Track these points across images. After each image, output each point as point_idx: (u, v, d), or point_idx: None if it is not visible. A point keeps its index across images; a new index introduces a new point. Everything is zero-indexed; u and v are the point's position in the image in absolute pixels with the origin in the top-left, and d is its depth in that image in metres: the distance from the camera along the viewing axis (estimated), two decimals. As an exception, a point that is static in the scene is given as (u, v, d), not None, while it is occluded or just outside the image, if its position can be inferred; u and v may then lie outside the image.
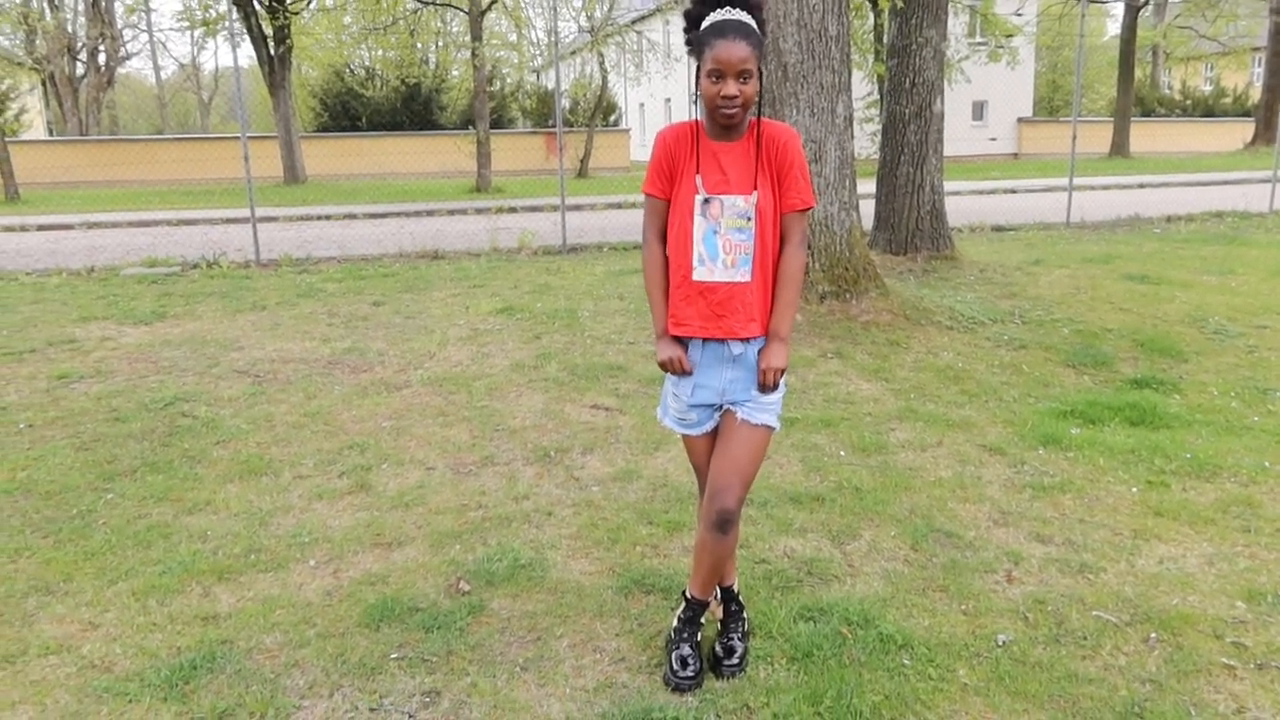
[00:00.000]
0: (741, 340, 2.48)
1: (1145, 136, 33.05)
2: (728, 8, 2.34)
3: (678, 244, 2.48)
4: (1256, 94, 34.94)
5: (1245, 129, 33.65)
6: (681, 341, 2.54)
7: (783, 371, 2.49)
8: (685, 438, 2.65)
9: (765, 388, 2.49)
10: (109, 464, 4.25)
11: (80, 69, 31.27)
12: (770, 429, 2.53)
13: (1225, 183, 19.91)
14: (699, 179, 2.44)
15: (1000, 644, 2.77)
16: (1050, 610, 2.96)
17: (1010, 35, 20.38)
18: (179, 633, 2.86)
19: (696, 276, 2.46)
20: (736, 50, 2.29)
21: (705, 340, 2.50)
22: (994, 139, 34.05)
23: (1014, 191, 18.94)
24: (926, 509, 3.73)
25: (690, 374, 2.54)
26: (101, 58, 31.69)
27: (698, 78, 2.37)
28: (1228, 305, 7.21)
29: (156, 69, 50.67)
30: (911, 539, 3.46)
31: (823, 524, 3.60)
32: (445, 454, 4.39)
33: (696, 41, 2.37)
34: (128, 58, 39.53)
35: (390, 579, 3.20)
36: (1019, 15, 23.62)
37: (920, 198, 8.88)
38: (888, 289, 6.74)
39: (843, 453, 4.35)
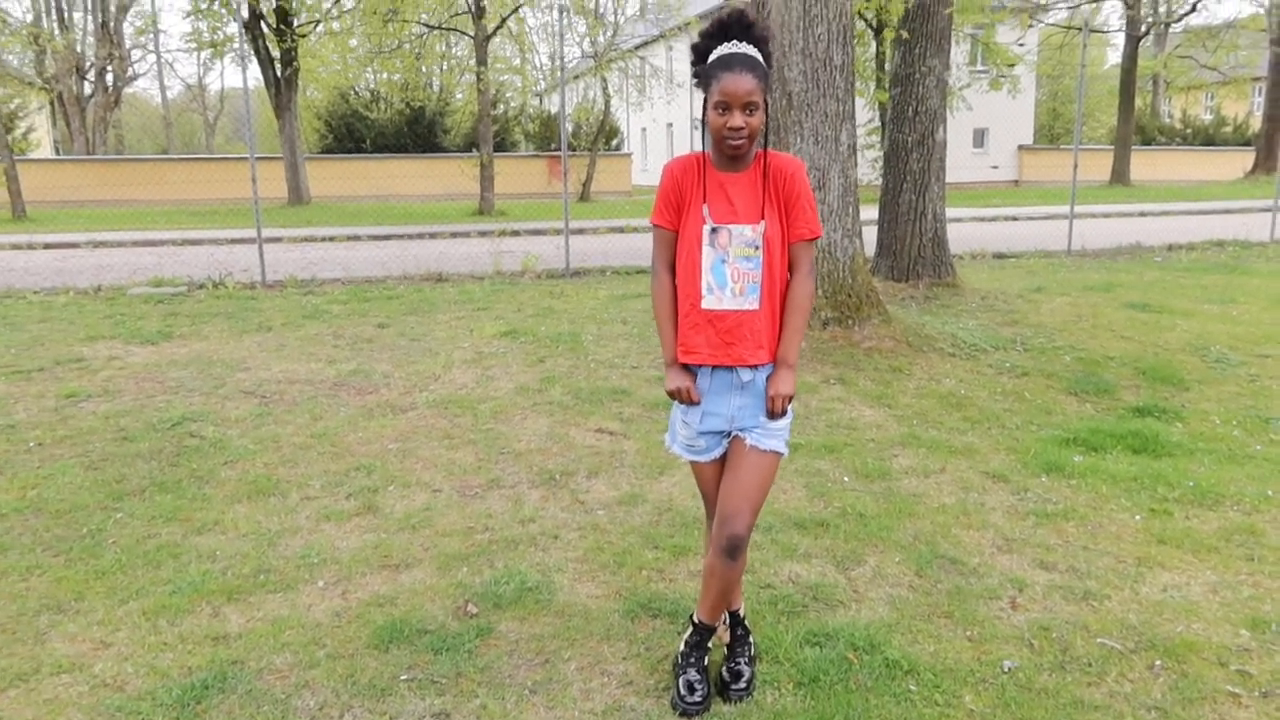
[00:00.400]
0: (750, 367, 2.51)
1: (1146, 165, 33.23)
2: (735, 41, 2.40)
3: (686, 273, 2.53)
4: (1257, 123, 35.16)
5: (1245, 158, 33.84)
6: (690, 369, 2.58)
7: (791, 398, 2.53)
8: (694, 464, 2.68)
9: (774, 414, 2.52)
10: (118, 483, 4.28)
11: (88, 89, 31.52)
12: (779, 454, 2.56)
13: (1226, 211, 20.01)
14: (706, 209, 2.49)
15: (1006, 670, 2.79)
16: (1055, 637, 2.98)
17: (1012, 64, 20.50)
18: (190, 652, 2.88)
19: (705, 305, 2.50)
20: (743, 83, 2.34)
21: (714, 368, 2.54)
22: (995, 166, 34.23)
23: (1015, 219, 19.04)
24: (930, 535, 3.75)
25: (698, 404, 2.57)
26: (109, 78, 31.96)
27: (705, 109, 2.43)
28: (1229, 334, 7.25)
29: (163, 89, 51.25)
30: (916, 565, 3.48)
31: (827, 549, 3.62)
32: (451, 476, 4.42)
33: (704, 74, 2.43)
34: (135, 78, 39.83)
35: (399, 601, 3.22)
36: (1020, 45, 23.79)
37: (922, 225, 8.94)
38: (890, 316, 6.78)
39: (846, 478, 4.38)
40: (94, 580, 3.35)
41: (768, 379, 2.54)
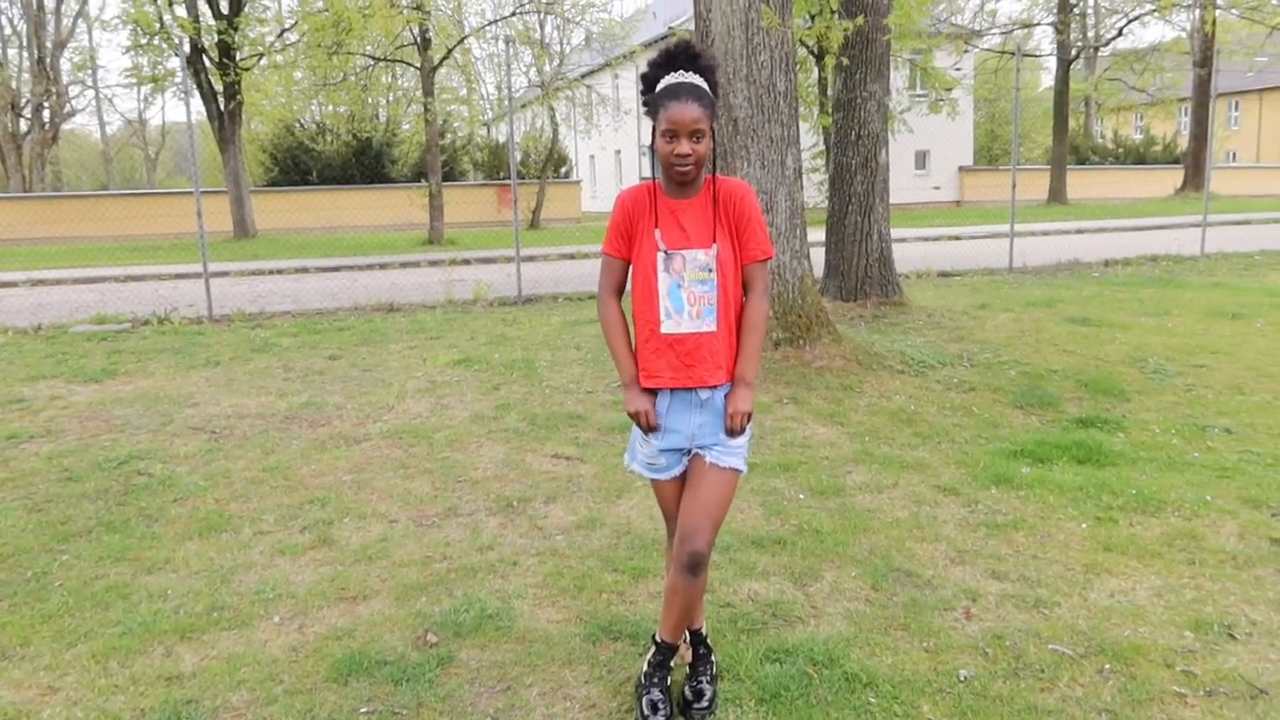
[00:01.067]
0: (710, 387, 2.56)
1: (1081, 184, 34.15)
2: (681, 71, 2.47)
3: (644, 300, 2.57)
4: (1184, 142, 36.40)
5: (1175, 175, 35.00)
6: (651, 391, 2.61)
7: (750, 415, 2.58)
8: (654, 483, 2.71)
9: (733, 432, 2.57)
10: (63, 525, 4.18)
11: (24, 125, 30.92)
12: (738, 471, 2.60)
13: (1158, 227, 20.63)
14: (659, 236, 2.54)
15: (962, 679, 2.84)
16: (1008, 645, 3.04)
17: (950, 88, 21.01)
18: (142, 694, 2.82)
19: (664, 329, 2.54)
20: (689, 111, 2.41)
21: (674, 389, 2.58)
22: (937, 187, 34.93)
23: (958, 238, 19.43)
24: (885, 549, 3.81)
25: (657, 429, 2.60)
26: (46, 114, 31.39)
27: (653, 137, 2.49)
28: (1165, 345, 7.47)
29: (102, 125, 50.30)
30: (872, 579, 3.53)
31: (785, 566, 3.65)
32: (407, 506, 4.39)
33: (652, 103, 2.49)
34: (73, 114, 39.14)
35: (357, 633, 3.18)
36: (957, 69, 24.42)
37: (868, 246, 9.10)
38: (840, 335, 6.89)
39: (802, 496, 4.42)
40: (40, 624, 3.27)
41: (726, 397, 2.59)
